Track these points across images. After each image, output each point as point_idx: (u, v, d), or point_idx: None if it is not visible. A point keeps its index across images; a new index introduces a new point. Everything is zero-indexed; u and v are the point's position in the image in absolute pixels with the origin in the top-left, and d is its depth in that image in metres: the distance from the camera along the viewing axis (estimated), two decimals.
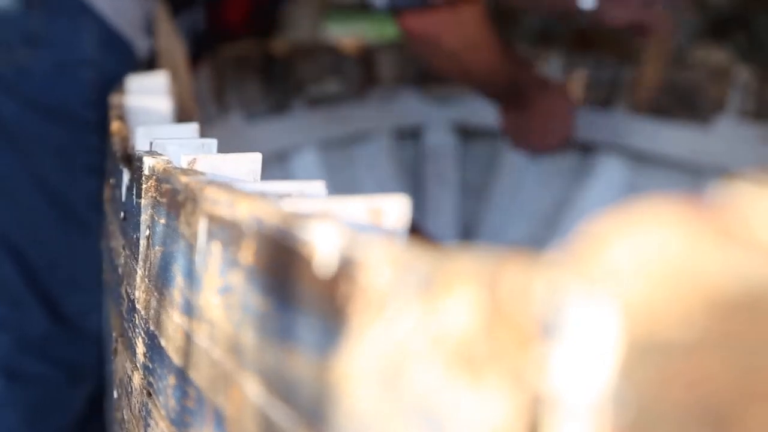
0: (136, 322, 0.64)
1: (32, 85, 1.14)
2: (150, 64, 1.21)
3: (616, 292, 0.25)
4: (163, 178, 0.59)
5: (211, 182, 0.52)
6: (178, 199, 0.55)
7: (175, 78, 1.07)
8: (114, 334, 0.80)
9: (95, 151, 1.12)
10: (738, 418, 0.24)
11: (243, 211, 0.45)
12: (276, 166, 1.61)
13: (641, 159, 1.64)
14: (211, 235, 0.49)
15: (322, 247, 0.37)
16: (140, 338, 0.63)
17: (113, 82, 1.09)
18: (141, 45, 1.20)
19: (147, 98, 0.94)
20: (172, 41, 1.22)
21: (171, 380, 0.54)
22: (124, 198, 0.75)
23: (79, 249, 1.16)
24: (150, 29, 1.23)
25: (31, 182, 1.15)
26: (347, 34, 1.81)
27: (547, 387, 0.26)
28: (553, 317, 0.26)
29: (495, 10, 1.89)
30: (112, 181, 0.90)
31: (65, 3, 1.14)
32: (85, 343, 1.15)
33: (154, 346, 0.59)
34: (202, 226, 0.51)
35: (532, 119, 1.45)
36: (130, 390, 0.66)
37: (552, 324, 0.26)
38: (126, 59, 1.17)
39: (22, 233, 1.15)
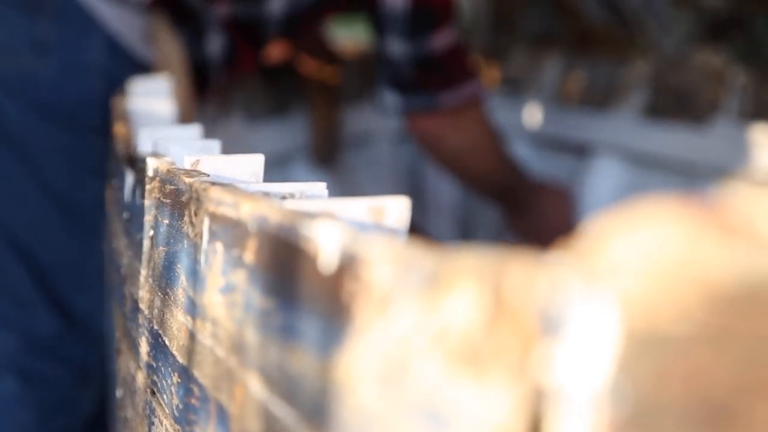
0: (140, 321, 0.64)
1: (39, 90, 1.15)
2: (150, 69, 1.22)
3: (616, 288, 0.25)
4: (166, 179, 0.60)
5: (215, 183, 0.53)
6: (181, 199, 0.56)
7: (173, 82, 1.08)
8: (117, 334, 0.81)
9: (101, 155, 1.13)
10: (735, 412, 0.25)
11: (246, 211, 0.45)
12: (277, 167, 1.61)
13: (639, 160, 1.64)
14: (214, 235, 0.50)
15: (326, 245, 0.37)
16: (144, 337, 0.63)
17: (118, 88, 1.10)
18: (145, 54, 1.21)
19: (149, 101, 0.95)
20: (170, 46, 1.23)
21: (175, 378, 0.55)
22: (127, 199, 0.75)
23: (86, 251, 1.16)
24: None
25: (38, 185, 1.15)
26: (348, 37, 1.81)
27: (550, 382, 0.27)
28: (554, 313, 0.27)
29: (494, 12, 1.89)
30: (114, 182, 0.90)
31: (72, 12, 1.15)
32: (94, 343, 1.16)
33: (158, 345, 0.59)
34: (205, 225, 0.51)
35: (531, 222, 1.56)
36: (134, 389, 0.67)
37: (554, 320, 0.27)
38: (131, 67, 1.18)
39: (30, 236, 1.16)
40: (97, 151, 1.14)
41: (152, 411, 0.60)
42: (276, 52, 1.55)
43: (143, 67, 1.20)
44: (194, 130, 0.79)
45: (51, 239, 1.17)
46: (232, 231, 0.47)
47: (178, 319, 0.55)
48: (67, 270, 1.18)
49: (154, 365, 0.60)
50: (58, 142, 1.16)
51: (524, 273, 0.28)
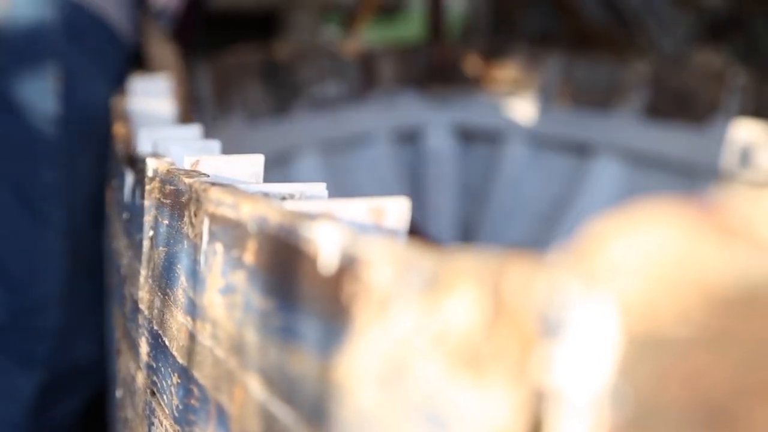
0: (140, 322, 0.64)
1: None
2: (138, 58, 1.21)
3: (616, 291, 0.25)
4: (166, 179, 0.60)
5: (215, 183, 0.53)
6: (181, 200, 0.56)
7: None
8: (117, 334, 0.81)
9: (56, 144, 1.13)
10: (735, 414, 0.25)
11: (246, 212, 0.45)
12: (277, 168, 1.61)
13: (639, 160, 1.64)
14: (214, 236, 0.50)
15: (326, 246, 0.37)
16: (144, 338, 0.63)
17: (79, 72, 1.10)
18: (121, 19, 1.19)
19: (149, 101, 0.95)
20: (162, 46, 1.22)
21: (175, 379, 0.55)
22: (127, 199, 0.75)
23: (39, 243, 1.16)
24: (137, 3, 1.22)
25: None
26: (348, 36, 1.82)
27: (549, 384, 0.27)
28: (554, 315, 0.27)
29: (494, 12, 1.89)
30: (114, 182, 0.90)
31: None
32: (42, 335, 1.15)
33: (158, 346, 0.59)
34: (205, 226, 0.51)
35: None
36: (133, 389, 0.67)
37: (553, 322, 0.27)
38: (98, 44, 1.16)
39: None
40: (52, 140, 1.14)
41: (152, 411, 0.60)
42: None
43: (118, 39, 1.18)
44: (194, 130, 0.79)
45: (4, 229, 1.16)
46: (231, 232, 0.47)
47: (178, 320, 0.55)
48: (20, 261, 1.17)
49: (154, 366, 0.60)
50: (13, 130, 1.15)
51: (524, 275, 0.28)
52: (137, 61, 1.22)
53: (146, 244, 0.64)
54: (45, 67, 1.14)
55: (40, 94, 1.14)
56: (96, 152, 1.15)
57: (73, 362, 1.17)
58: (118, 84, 1.15)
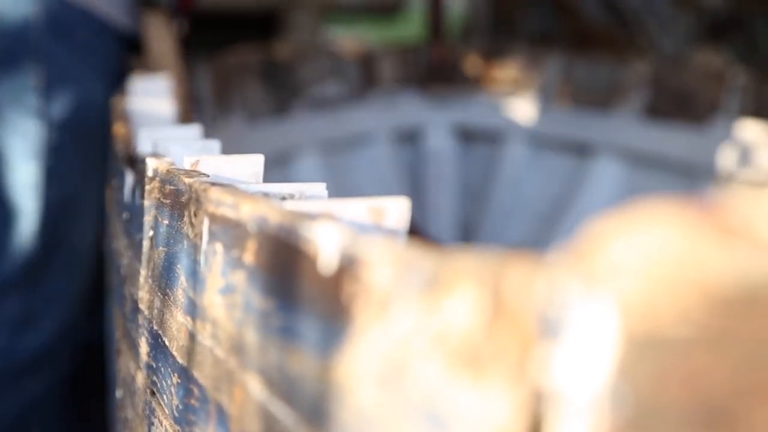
0: (140, 322, 0.64)
1: None
2: (136, 45, 1.21)
3: (616, 291, 0.25)
4: (166, 179, 0.60)
5: (215, 183, 0.53)
6: (181, 200, 0.56)
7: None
8: (117, 334, 0.81)
9: (35, 139, 1.13)
10: (735, 414, 0.25)
11: (246, 212, 0.45)
12: (277, 168, 1.61)
13: (639, 160, 1.64)
14: (214, 236, 0.50)
15: (325, 246, 0.37)
16: (144, 338, 0.63)
17: (66, 69, 1.10)
18: (114, 11, 1.18)
19: (149, 101, 0.95)
20: (165, 43, 1.21)
21: (175, 379, 0.55)
22: (127, 199, 0.75)
23: (7, 232, 1.16)
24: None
25: None
26: (348, 37, 1.81)
27: (549, 384, 0.27)
28: (554, 315, 0.27)
29: (494, 12, 1.89)
30: (114, 182, 0.90)
31: None
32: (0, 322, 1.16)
33: (157, 346, 0.59)
34: (205, 226, 0.51)
35: None
36: (133, 389, 0.67)
37: (553, 322, 0.27)
38: (87, 40, 1.15)
39: None
40: (29, 133, 1.14)
41: (152, 411, 0.60)
42: None
43: (105, 28, 1.17)
44: (194, 130, 0.79)
45: None
46: (231, 232, 0.47)
47: (178, 320, 0.55)
48: None
49: (154, 366, 0.60)
50: None
51: (524, 275, 0.28)
52: (135, 51, 1.21)
53: (146, 244, 0.64)
54: (27, 65, 1.14)
55: (21, 91, 1.14)
56: (86, 146, 1.15)
57: (32, 351, 1.17)
58: (111, 79, 1.15)
